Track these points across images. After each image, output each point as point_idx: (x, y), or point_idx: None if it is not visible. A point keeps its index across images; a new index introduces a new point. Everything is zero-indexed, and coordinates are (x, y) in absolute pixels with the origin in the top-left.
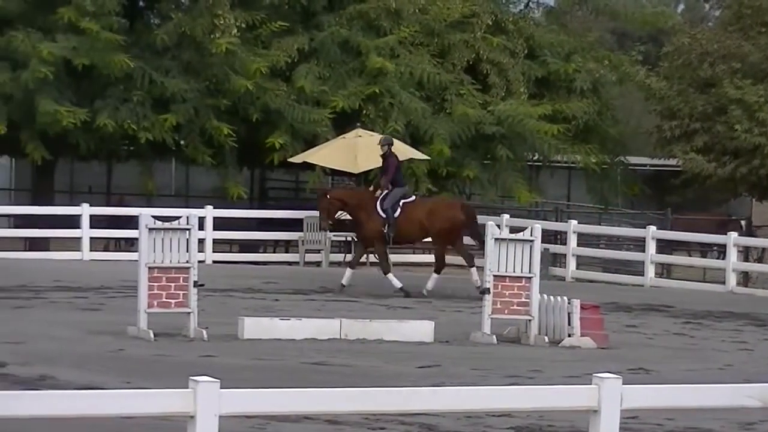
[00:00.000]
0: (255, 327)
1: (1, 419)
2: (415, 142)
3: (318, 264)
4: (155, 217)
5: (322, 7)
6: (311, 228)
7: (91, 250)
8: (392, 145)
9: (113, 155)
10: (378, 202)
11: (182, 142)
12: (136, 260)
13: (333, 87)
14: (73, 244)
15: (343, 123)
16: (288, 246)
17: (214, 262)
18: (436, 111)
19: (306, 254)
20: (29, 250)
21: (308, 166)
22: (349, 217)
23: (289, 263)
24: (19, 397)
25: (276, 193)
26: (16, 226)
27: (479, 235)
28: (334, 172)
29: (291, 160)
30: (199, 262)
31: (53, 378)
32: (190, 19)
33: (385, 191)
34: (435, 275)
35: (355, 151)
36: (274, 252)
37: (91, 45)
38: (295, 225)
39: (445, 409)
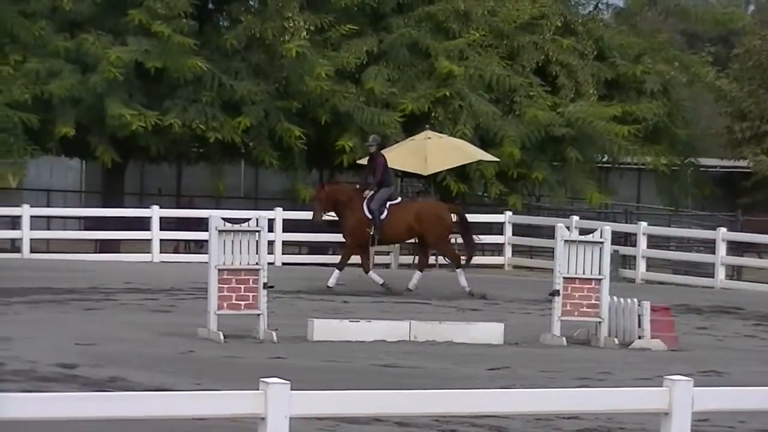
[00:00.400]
0: (324, 329)
1: (73, 420)
2: (484, 144)
3: (387, 266)
4: (225, 219)
5: (391, 9)
6: None
7: (161, 252)
8: (380, 144)
9: (183, 157)
10: (365, 203)
11: (250, 144)
12: (206, 262)
13: (402, 89)
14: (143, 246)
15: (412, 125)
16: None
17: (284, 264)
18: (506, 113)
19: (375, 256)
20: (99, 252)
21: None
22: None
23: (359, 265)
24: (90, 399)
25: None
26: (87, 228)
27: (471, 236)
28: (404, 174)
29: (360, 162)
30: (269, 264)
31: (124, 379)
32: (259, 22)
33: (372, 192)
34: (418, 273)
35: (425, 153)
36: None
37: (163, 48)
38: None
39: (515, 411)
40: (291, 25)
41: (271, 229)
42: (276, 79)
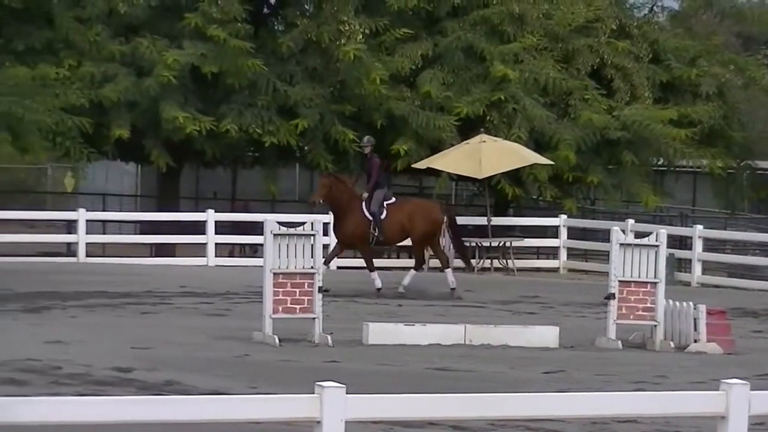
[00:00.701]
0: (379, 332)
1: (129, 424)
2: (539, 147)
3: (442, 270)
4: (280, 223)
5: (446, 13)
6: None
7: (216, 256)
8: (374, 145)
9: (238, 161)
10: (363, 204)
11: (306, 148)
12: (261, 266)
13: (457, 93)
14: (199, 250)
15: (466, 129)
16: (410, 251)
17: (339, 267)
18: (560, 116)
19: (430, 260)
20: (155, 256)
21: (432, 172)
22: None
23: (405, 268)
24: (146, 402)
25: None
26: (142, 232)
27: (460, 237)
28: (459, 178)
29: (415, 165)
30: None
31: (179, 383)
32: (315, 26)
33: (369, 193)
34: (413, 272)
35: (479, 157)
36: (398, 257)
37: (219, 52)
38: None
39: (571, 414)
40: (347, 28)
41: (326, 233)
42: (331, 83)
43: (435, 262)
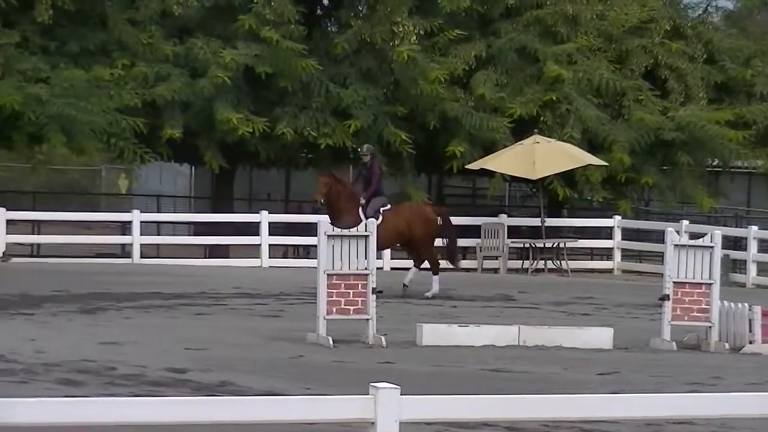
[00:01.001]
0: (433, 333)
1: (183, 425)
2: (593, 148)
3: (496, 270)
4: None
5: (500, 14)
6: (489, 235)
7: (270, 257)
8: (374, 153)
9: (292, 163)
10: (361, 209)
11: (359, 150)
12: (314, 267)
13: (510, 94)
14: (253, 251)
15: (520, 130)
16: (465, 252)
17: (392, 268)
18: (614, 117)
19: (483, 261)
20: (209, 257)
21: (486, 173)
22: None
23: (467, 270)
24: (199, 403)
25: (453, 200)
26: (196, 234)
27: (454, 240)
28: (512, 179)
29: (469, 166)
30: (378, 268)
31: (233, 384)
32: (368, 27)
33: (366, 199)
34: (415, 269)
35: (533, 158)
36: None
37: (273, 53)
38: (472, 232)
39: (625, 416)
40: (400, 29)
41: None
42: (385, 84)
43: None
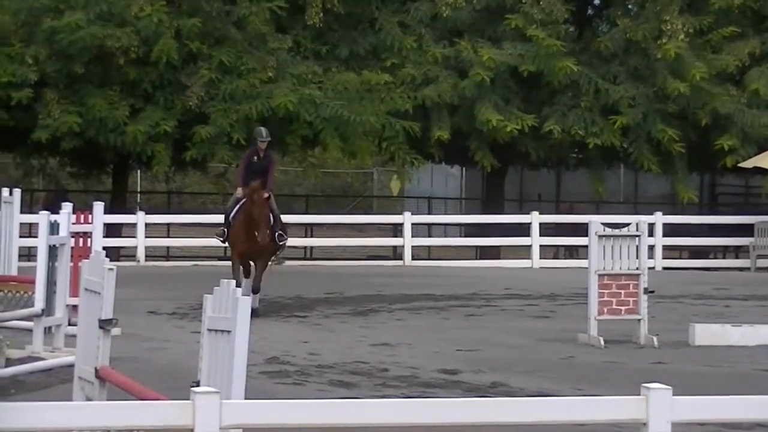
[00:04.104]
0: (706, 333)
1: (455, 426)
2: None
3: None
4: (604, 224)
5: None
6: (762, 233)
7: (540, 258)
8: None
9: (562, 163)
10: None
11: (630, 150)
12: (584, 267)
13: None
14: (523, 252)
15: None
16: (738, 252)
17: (664, 268)
18: None
19: (757, 260)
20: (480, 259)
21: (759, 171)
22: None
23: (740, 269)
24: (472, 405)
25: (726, 199)
26: (467, 235)
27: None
28: None
29: (742, 165)
30: (649, 268)
31: (505, 385)
32: (635, 25)
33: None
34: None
35: None
36: (724, 258)
37: (537, 52)
38: (745, 230)
39: None
40: (668, 27)
41: (651, 234)
42: (653, 82)
43: None
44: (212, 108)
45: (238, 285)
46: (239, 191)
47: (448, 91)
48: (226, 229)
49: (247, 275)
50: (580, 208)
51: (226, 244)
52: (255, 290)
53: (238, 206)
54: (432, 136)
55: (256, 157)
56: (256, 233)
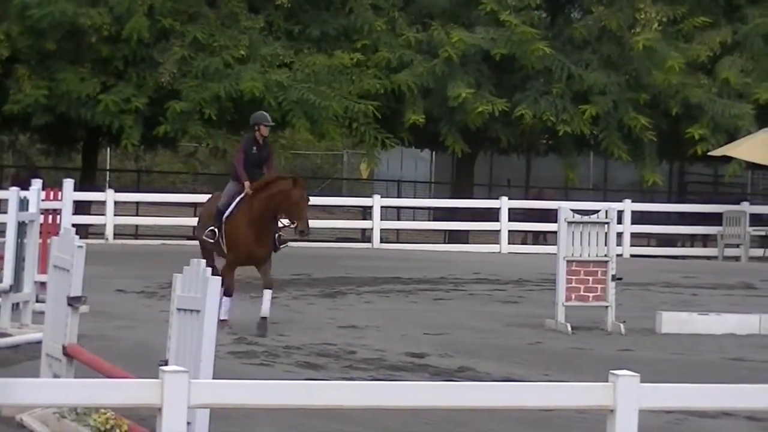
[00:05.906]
0: (673, 321)
1: (422, 409)
2: None
3: (737, 259)
4: (574, 211)
5: (746, 0)
6: (731, 222)
7: (509, 243)
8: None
9: (532, 149)
10: None
11: (599, 136)
12: (553, 253)
13: (756, 80)
14: (492, 237)
15: (766, 116)
16: (706, 240)
17: (632, 256)
18: None
19: (725, 249)
20: (448, 243)
21: (728, 160)
22: None
23: (708, 257)
24: (438, 388)
25: (695, 187)
26: (436, 219)
27: None
28: (754, 165)
29: (711, 153)
30: (617, 255)
31: (473, 369)
32: (609, 13)
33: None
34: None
35: None
36: (692, 246)
37: (509, 37)
38: (714, 219)
39: None
40: (642, 16)
41: (619, 221)
42: (626, 71)
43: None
44: (184, 85)
45: (229, 294)
46: (246, 185)
47: (422, 74)
48: (217, 230)
49: (230, 293)
50: (549, 194)
51: (223, 245)
52: (268, 286)
53: (236, 202)
54: (407, 120)
55: (255, 147)
56: (299, 220)
